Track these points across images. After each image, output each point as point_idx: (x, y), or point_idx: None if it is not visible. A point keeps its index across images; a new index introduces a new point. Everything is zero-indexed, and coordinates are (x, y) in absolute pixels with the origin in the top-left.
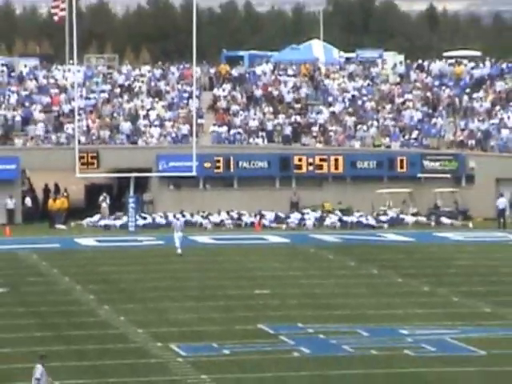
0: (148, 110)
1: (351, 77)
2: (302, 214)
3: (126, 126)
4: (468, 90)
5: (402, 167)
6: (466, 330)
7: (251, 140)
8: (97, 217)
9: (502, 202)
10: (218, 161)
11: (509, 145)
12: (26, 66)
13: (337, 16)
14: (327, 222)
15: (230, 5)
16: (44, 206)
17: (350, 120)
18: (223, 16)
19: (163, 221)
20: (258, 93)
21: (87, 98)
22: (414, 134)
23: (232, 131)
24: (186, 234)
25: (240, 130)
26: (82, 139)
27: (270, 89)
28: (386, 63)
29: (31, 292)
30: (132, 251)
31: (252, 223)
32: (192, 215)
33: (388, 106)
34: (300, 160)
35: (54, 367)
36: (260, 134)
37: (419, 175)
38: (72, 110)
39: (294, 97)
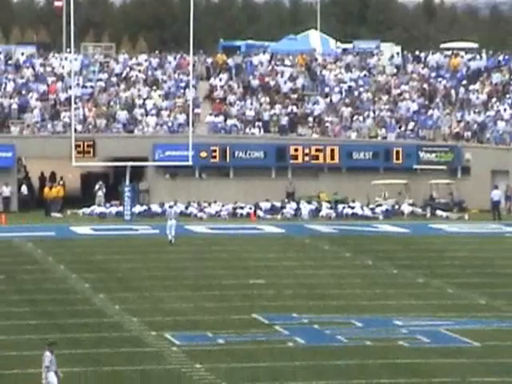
0: (144, 99)
1: (348, 68)
2: (298, 204)
3: (122, 115)
4: (464, 82)
5: (397, 158)
6: (461, 322)
7: (247, 130)
8: (93, 206)
9: (496, 194)
10: (214, 150)
11: (505, 137)
12: (22, 54)
13: (334, 6)
14: (323, 212)
15: None
16: (40, 194)
17: (346, 111)
18: (220, 5)
19: (159, 209)
20: (255, 83)
21: (84, 87)
22: (410, 125)
23: (228, 121)
24: (182, 223)
25: (236, 122)
26: (79, 128)
27: (266, 79)
28: (382, 54)
29: (26, 280)
30: (128, 240)
31: (248, 213)
32: (187, 207)
33: (384, 97)
34: (296, 150)
35: None
36: (256, 124)
37: (415, 167)
38: (68, 99)
39: (291, 87)
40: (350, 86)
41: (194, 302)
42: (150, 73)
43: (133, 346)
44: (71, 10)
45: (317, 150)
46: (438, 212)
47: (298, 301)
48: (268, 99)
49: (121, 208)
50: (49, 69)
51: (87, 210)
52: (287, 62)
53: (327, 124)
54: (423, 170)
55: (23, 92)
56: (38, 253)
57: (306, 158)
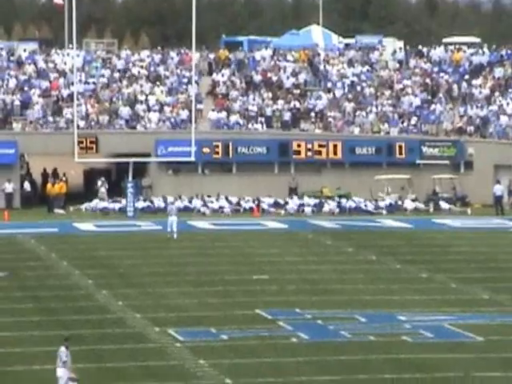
0: (147, 95)
1: (350, 63)
2: (301, 199)
3: (124, 111)
4: (467, 77)
5: (400, 153)
6: (464, 317)
7: (250, 125)
8: (95, 202)
9: (498, 189)
10: (217, 146)
11: (507, 131)
12: (25, 51)
13: (336, 2)
14: (326, 207)
15: None
16: (43, 191)
17: (349, 106)
18: (222, 1)
19: (162, 205)
20: (257, 78)
21: (86, 83)
22: (413, 120)
23: (231, 117)
24: (185, 219)
25: (239, 117)
26: (81, 124)
27: (269, 74)
28: (385, 49)
29: (29, 276)
30: (130, 236)
31: (251, 209)
32: (191, 201)
33: (387, 92)
34: (299, 146)
35: (52, 351)
36: (259, 119)
37: (418, 161)
38: (71, 95)
39: (293, 82)
40: (352, 81)
41: (198, 297)
42: (152, 69)
43: (136, 342)
44: (73, 6)
45: (320, 146)
46: (442, 204)
47: (302, 296)
48: (270, 95)
49: (123, 204)
50: (51, 65)
51: (90, 205)
52: (289, 58)
53: (330, 119)
54: (426, 165)
55: (25, 88)
56: (41, 249)
57: (309, 154)
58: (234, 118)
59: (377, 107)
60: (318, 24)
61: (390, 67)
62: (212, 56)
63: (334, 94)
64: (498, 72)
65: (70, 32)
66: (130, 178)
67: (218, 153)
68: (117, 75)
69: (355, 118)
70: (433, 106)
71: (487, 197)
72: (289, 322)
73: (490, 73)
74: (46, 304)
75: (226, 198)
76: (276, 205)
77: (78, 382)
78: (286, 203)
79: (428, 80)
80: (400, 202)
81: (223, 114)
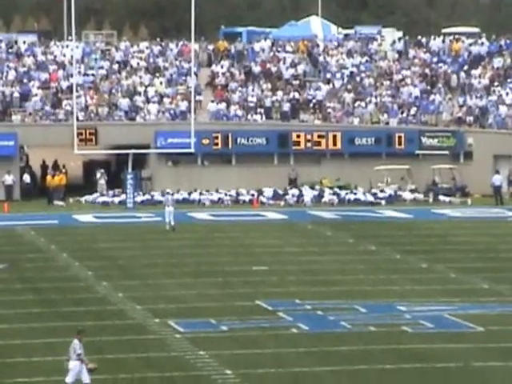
0: (146, 87)
1: (349, 53)
2: (300, 190)
3: (124, 103)
4: (466, 67)
5: (400, 144)
6: (464, 307)
7: (249, 116)
8: (95, 194)
9: (497, 179)
10: (217, 137)
11: (507, 121)
12: (24, 43)
13: None
14: (325, 198)
15: None
16: (42, 183)
17: (348, 97)
18: None
19: (161, 197)
20: (257, 69)
21: (85, 75)
22: (413, 110)
23: (231, 108)
24: (185, 210)
25: (238, 108)
26: (81, 116)
27: (268, 65)
28: (384, 40)
29: (29, 268)
30: (130, 228)
31: (250, 200)
32: (190, 193)
33: (386, 83)
34: (298, 136)
35: (52, 343)
36: (258, 110)
37: (417, 152)
38: (70, 87)
39: (293, 73)
40: (351, 72)
41: (197, 289)
42: (151, 60)
43: (136, 334)
44: None
45: (319, 136)
46: (441, 197)
47: (302, 287)
48: (270, 86)
49: (123, 196)
50: (50, 57)
51: (90, 198)
52: (289, 49)
53: (329, 110)
54: (425, 155)
55: (25, 80)
56: (41, 241)
57: (308, 144)
58: (233, 109)
59: (376, 98)
60: (317, 15)
61: (389, 58)
62: (211, 47)
63: (333, 84)
64: (497, 62)
65: (69, 24)
66: (130, 170)
67: (217, 144)
68: (116, 67)
69: (354, 108)
70: (432, 97)
71: (487, 187)
72: (289, 312)
73: (489, 63)
74: (46, 296)
75: (226, 194)
76: (276, 196)
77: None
78: (286, 194)
79: (427, 70)
80: (399, 193)
81: (222, 106)
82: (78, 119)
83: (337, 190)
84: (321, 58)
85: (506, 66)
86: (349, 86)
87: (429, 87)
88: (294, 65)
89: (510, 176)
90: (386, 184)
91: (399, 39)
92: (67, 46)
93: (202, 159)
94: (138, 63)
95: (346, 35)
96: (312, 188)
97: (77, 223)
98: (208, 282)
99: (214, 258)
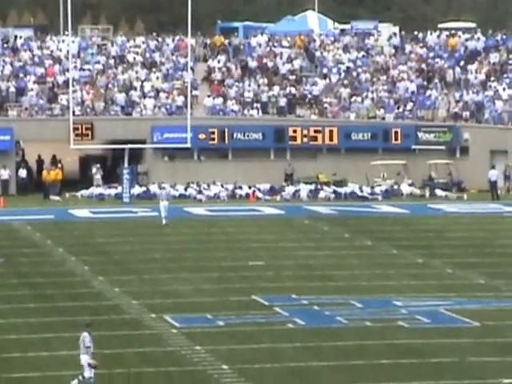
0: (142, 82)
1: (346, 48)
2: (297, 185)
3: (120, 98)
4: (462, 62)
5: (396, 139)
6: (460, 302)
7: (246, 111)
8: (91, 188)
9: (493, 174)
10: (213, 132)
11: (503, 116)
12: (20, 37)
13: None
14: (321, 193)
15: None
16: (38, 178)
17: (344, 92)
18: None
19: (158, 191)
20: (253, 64)
21: (82, 70)
22: (409, 105)
23: (227, 103)
24: (181, 205)
25: (234, 103)
26: (77, 110)
27: (264, 60)
28: (380, 35)
29: (25, 263)
30: (126, 222)
31: (246, 195)
32: (186, 188)
33: (383, 78)
34: (295, 132)
35: (48, 338)
36: (255, 105)
37: (413, 147)
38: (66, 81)
39: (289, 68)
40: (348, 67)
41: (194, 284)
42: (147, 55)
43: (132, 329)
44: None
45: (315, 131)
46: (437, 191)
47: (298, 282)
48: (266, 80)
49: (119, 190)
50: (46, 52)
51: (86, 192)
52: (285, 44)
53: (326, 105)
54: (422, 151)
55: (21, 75)
56: (37, 236)
57: (305, 140)
58: (229, 104)
59: (372, 93)
60: (314, 10)
61: (385, 53)
62: (207, 42)
63: (329, 79)
64: (494, 57)
65: (66, 18)
66: (126, 165)
67: (213, 139)
68: (112, 61)
69: (351, 103)
70: (428, 92)
71: (483, 182)
72: (285, 307)
73: (486, 58)
74: (42, 291)
75: (222, 186)
76: (272, 191)
77: (96, 368)
78: (282, 189)
79: (424, 65)
80: (396, 188)
81: (219, 100)
82: (74, 114)
83: (333, 185)
84: (317, 53)
85: (503, 61)
86: (345, 81)
87: (425, 82)
88: (290, 60)
89: (506, 171)
90: (382, 179)
91: (395, 34)
92: (63, 41)
93: (198, 154)
94: (135, 58)
95: (343, 30)
96: (308, 183)
97: (73, 218)
98: (204, 277)
99: (211, 253)
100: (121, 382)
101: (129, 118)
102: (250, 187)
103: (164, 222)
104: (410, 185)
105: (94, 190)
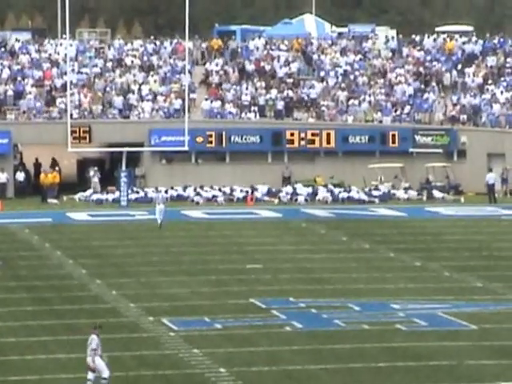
0: (140, 85)
1: (343, 52)
2: (294, 188)
3: (118, 101)
4: (460, 66)
5: (393, 142)
6: (458, 305)
7: (243, 115)
8: (89, 191)
9: (491, 177)
10: (210, 135)
11: (500, 120)
12: (18, 41)
13: None
14: (319, 196)
15: None
16: (36, 181)
17: (342, 95)
18: None
19: (154, 195)
20: (251, 67)
21: (79, 73)
22: (406, 109)
23: (225, 106)
24: (178, 208)
25: (232, 106)
26: (74, 114)
27: (262, 63)
28: (378, 38)
29: (23, 266)
30: (124, 225)
31: (244, 198)
32: (184, 190)
33: (380, 81)
34: (292, 135)
35: (45, 341)
36: (252, 108)
37: (411, 150)
38: (64, 85)
39: (287, 71)
40: (345, 70)
41: (191, 287)
42: (145, 58)
43: (130, 332)
44: None
45: (313, 135)
46: (435, 192)
47: (295, 285)
48: (264, 84)
49: (117, 194)
50: (44, 55)
51: (83, 195)
52: (283, 47)
53: (323, 108)
54: (419, 154)
55: (19, 78)
56: (35, 239)
57: (302, 143)
58: (227, 107)
59: (370, 96)
60: (311, 13)
61: (382, 56)
62: (205, 45)
63: (327, 82)
64: (491, 61)
65: (63, 22)
66: (124, 168)
67: (211, 142)
68: (110, 65)
69: (348, 106)
70: (426, 95)
71: (480, 185)
72: (282, 310)
73: (483, 61)
74: (40, 294)
75: (219, 189)
76: (269, 194)
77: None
78: (280, 192)
79: (421, 69)
80: (393, 191)
81: (216, 104)
82: (71, 117)
83: (331, 187)
84: (315, 57)
85: (500, 64)
86: (343, 85)
87: (422, 86)
88: (287, 63)
89: (503, 174)
90: (379, 182)
91: (393, 38)
92: (61, 44)
93: (195, 157)
94: (132, 61)
95: (340, 33)
96: (306, 186)
97: (71, 221)
98: (202, 280)
99: (208, 256)
100: None
101: (126, 121)
102: (248, 192)
103: (158, 222)
104: (406, 189)
105: (92, 196)
